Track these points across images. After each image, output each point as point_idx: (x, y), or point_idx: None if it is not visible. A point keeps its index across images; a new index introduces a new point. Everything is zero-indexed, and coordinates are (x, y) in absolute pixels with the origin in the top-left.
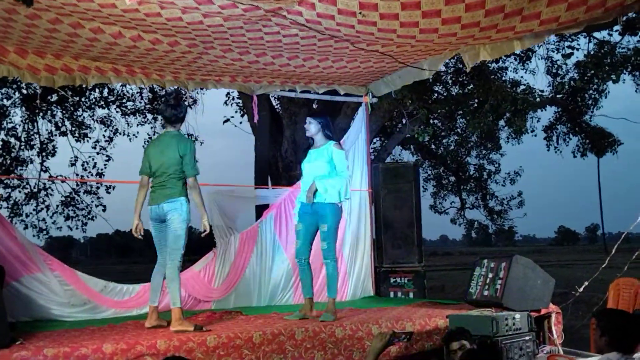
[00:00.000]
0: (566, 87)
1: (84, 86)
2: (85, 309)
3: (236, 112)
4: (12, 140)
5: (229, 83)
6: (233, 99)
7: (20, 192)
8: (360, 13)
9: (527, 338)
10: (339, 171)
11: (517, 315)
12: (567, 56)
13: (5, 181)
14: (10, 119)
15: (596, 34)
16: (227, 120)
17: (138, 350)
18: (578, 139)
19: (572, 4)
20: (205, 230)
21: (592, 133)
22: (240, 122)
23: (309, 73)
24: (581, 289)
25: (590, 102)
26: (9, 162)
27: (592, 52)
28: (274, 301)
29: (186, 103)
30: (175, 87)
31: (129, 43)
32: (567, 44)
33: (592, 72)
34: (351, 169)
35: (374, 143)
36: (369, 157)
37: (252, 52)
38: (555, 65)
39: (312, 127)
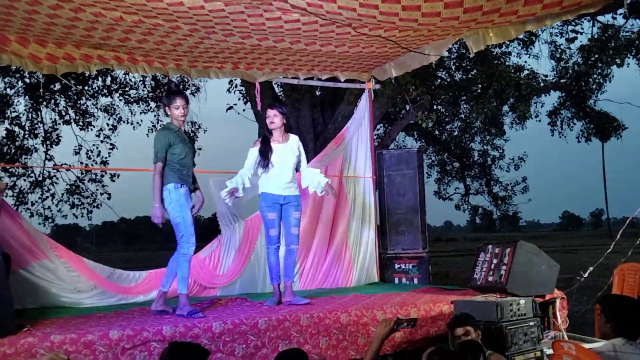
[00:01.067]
0: (570, 71)
1: (87, 74)
2: (91, 295)
3: (239, 99)
4: (16, 129)
5: (231, 71)
6: (236, 86)
7: (25, 180)
8: None
9: (531, 323)
10: (305, 165)
11: (522, 301)
12: (571, 40)
13: (10, 170)
14: (14, 108)
15: (600, 18)
16: (230, 107)
17: (144, 336)
18: (582, 124)
19: None
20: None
21: (597, 118)
22: (244, 110)
23: (311, 58)
24: (586, 275)
25: (594, 86)
26: (13, 151)
27: (596, 36)
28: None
29: (187, 92)
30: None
31: (130, 25)
32: (570, 27)
33: (596, 56)
34: (355, 156)
35: (378, 129)
36: (372, 143)
37: (253, 36)
38: (559, 50)
39: (278, 120)
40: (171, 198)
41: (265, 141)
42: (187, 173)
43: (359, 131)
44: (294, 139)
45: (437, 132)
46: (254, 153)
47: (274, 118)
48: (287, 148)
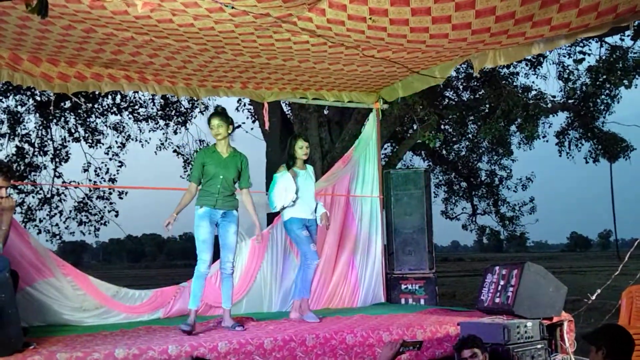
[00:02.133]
0: (578, 92)
1: (97, 92)
2: (97, 314)
3: (247, 118)
4: (26, 146)
5: (240, 90)
6: (244, 105)
7: (33, 197)
8: (370, 18)
9: (539, 346)
10: None
11: (529, 323)
12: (578, 61)
13: (19, 187)
14: (24, 125)
15: (608, 39)
16: (239, 126)
17: (150, 355)
18: (590, 145)
19: (583, 10)
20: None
21: (605, 138)
22: (252, 129)
23: (319, 79)
24: (593, 297)
25: (602, 107)
26: (22, 167)
27: (604, 57)
28: (285, 307)
29: (197, 110)
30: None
31: (141, 43)
32: (578, 49)
33: (604, 77)
34: (362, 175)
35: (385, 149)
36: (380, 163)
37: (263, 55)
38: (567, 71)
39: (309, 151)
40: (194, 218)
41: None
42: (212, 192)
43: (366, 150)
44: (310, 168)
45: (444, 152)
46: (288, 178)
47: (307, 150)
48: (307, 176)
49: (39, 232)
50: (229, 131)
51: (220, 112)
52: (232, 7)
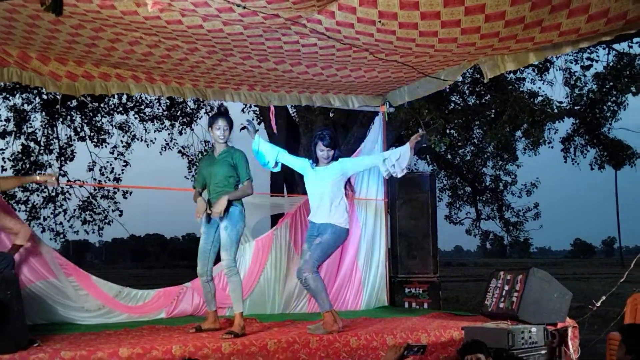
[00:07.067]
0: (584, 98)
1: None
2: (99, 314)
3: (253, 119)
4: (32, 144)
5: (247, 92)
6: (250, 106)
7: (38, 195)
8: (379, 22)
9: (543, 352)
10: None
11: (534, 329)
12: (586, 67)
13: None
14: (30, 123)
15: (616, 46)
16: (244, 127)
17: (154, 355)
18: (596, 151)
19: (592, 16)
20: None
21: (610, 145)
22: (257, 130)
23: (326, 82)
24: (598, 303)
25: (608, 114)
26: (28, 166)
27: (611, 64)
28: (288, 309)
29: (202, 111)
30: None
31: (150, 45)
32: (586, 55)
33: (611, 83)
34: (367, 179)
35: None
36: None
37: (271, 59)
38: (574, 77)
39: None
40: None
41: None
42: (208, 193)
43: (372, 153)
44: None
45: (449, 156)
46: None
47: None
48: None
49: (43, 231)
50: (230, 133)
51: (227, 113)
52: (244, 7)
